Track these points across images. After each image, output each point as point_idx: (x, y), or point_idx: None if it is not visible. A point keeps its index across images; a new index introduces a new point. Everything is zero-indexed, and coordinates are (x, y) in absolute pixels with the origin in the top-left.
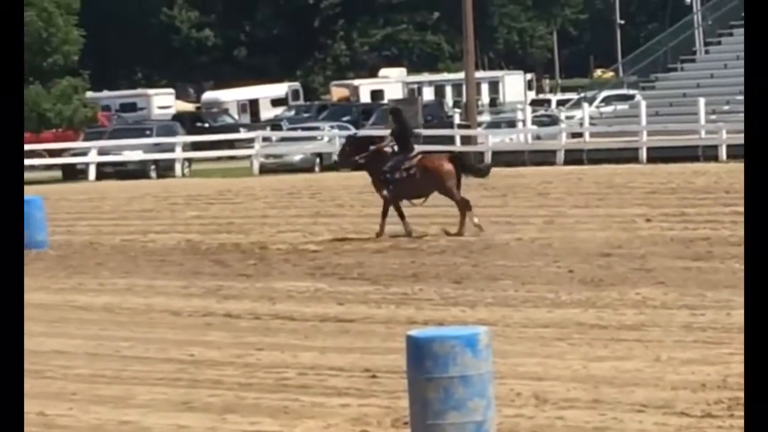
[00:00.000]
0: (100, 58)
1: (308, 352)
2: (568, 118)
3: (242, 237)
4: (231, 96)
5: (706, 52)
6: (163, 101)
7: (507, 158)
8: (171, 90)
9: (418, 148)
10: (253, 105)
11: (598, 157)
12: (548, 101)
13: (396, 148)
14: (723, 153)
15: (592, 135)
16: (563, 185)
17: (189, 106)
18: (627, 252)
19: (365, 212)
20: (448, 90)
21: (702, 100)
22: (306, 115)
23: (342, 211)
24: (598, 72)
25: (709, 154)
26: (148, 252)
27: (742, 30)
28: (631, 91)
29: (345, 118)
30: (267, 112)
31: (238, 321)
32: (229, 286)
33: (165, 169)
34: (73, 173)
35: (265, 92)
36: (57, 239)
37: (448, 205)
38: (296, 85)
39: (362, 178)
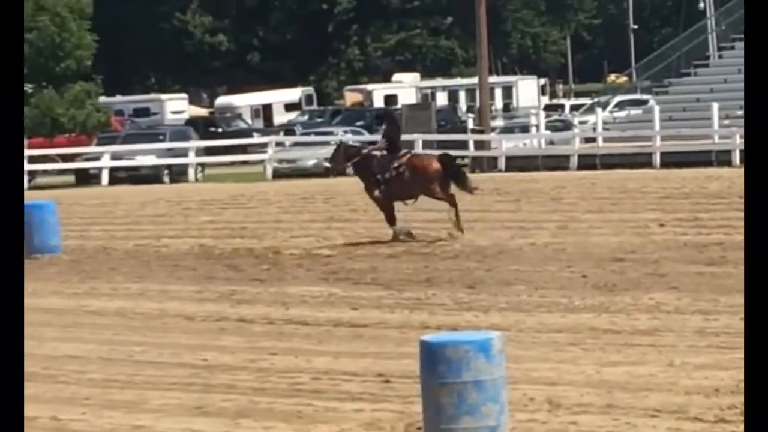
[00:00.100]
0: (113, 63)
1: (322, 357)
2: (581, 123)
3: (256, 242)
4: (244, 101)
5: (720, 57)
6: (177, 106)
7: (520, 163)
8: (184, 95)
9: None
10: (267, 110)
11: (611, 162)
12: (562, 106)
13: (386, 150)
14: (736, 158)
15: (605, 140)
16: (577, 190)
17: (202, 111)
18: (640, 257)
19: (379, 217)
20: (462, 95)
21: (715, 105)
22: (319, 120)
23: (356, 216)
24: (612, 77)
25: (722, 158)
26: (162, 257)
27: None
28: (645, 96)
29: (358, 123)
30: (280, 117)
31: (251, 326)
32: (242, 291)
33: (178, 174)
34: (86, 178)
35: (278, 97)
36: (70, 244)
37: (459, 210)
38: (310, 89)
39: None
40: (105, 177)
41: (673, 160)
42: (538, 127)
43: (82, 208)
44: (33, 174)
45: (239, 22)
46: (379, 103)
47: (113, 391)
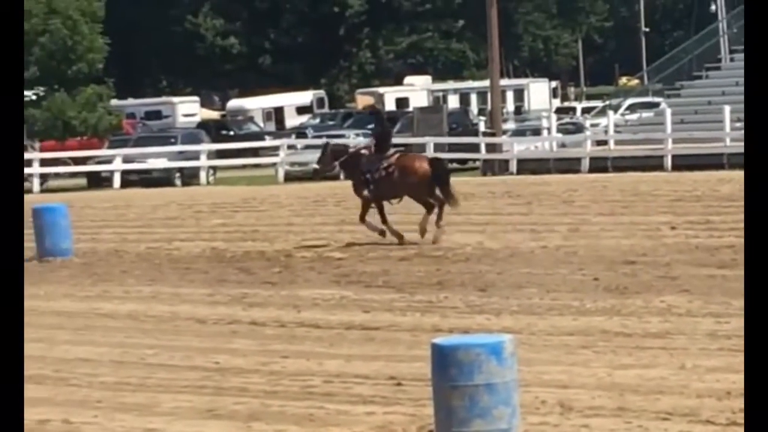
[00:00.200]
0: (124, 66)
1: (333, 360)
2: (593, 125)
3: (267, 245)
4: (256, 104)
5: (731, 59)
6: (188, 109)
7: (532, 166)
8: (196, 98)
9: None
10: (278, 113)
11: (623, 164)
12: (573, 109)
13: (373, 149)
14: None
15: (617, 143)
16: (588, 193)
17: (214, 114)
18: (652, 260)
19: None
20: (473, 98)
21: (727, 108)
22: (331, 122)
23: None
24: (623, 80)
25: (734, 161)
26: (173, 260)
27: None
28: (656, 99)
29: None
30: (292, 120)
31: (263, 329)
32: (254, 294)
33: (190, 177)
34: (98, 181)
35: (290, 100)
36: (82, 247)
37: (471, 213)
38: (321, 92)
39: None
40: (117, 180)
41: (684, 163)
42: (549, 129)
43: (93, 211)
44: (45, 177)
45: (251, 24)
46: (390, 106)
47: (125, 394)
